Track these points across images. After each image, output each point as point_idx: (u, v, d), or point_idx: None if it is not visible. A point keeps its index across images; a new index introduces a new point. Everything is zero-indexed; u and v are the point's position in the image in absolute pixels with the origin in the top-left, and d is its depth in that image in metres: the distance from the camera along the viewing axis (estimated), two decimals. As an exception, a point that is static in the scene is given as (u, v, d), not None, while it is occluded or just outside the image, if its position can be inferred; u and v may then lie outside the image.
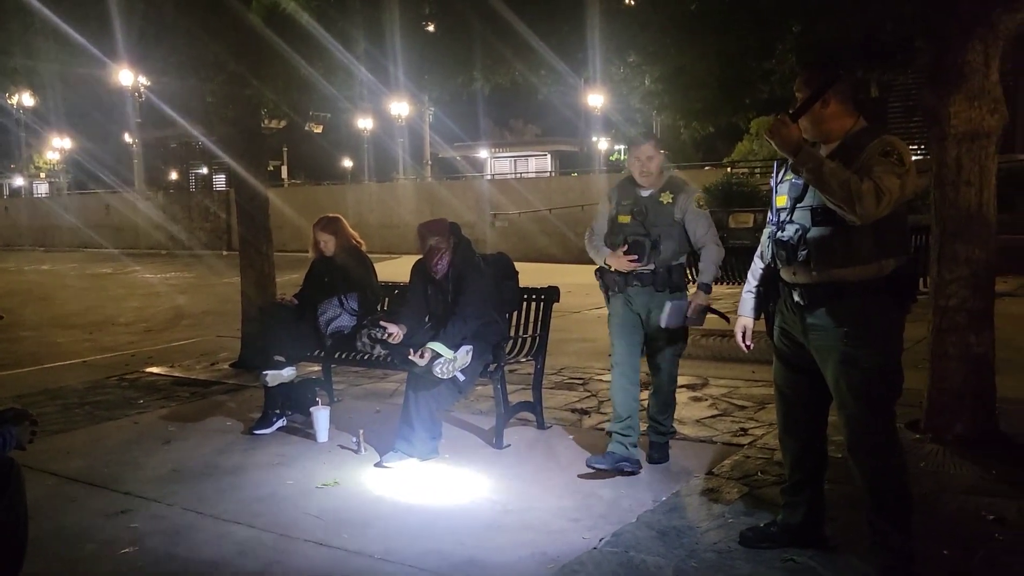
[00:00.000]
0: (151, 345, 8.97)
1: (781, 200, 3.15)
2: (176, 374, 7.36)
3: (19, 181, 48.14)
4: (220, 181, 37.79)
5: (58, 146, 38.93)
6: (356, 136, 36.65)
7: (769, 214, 3.26)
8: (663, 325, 4.31)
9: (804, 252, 2.99)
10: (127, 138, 35.69)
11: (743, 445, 4.85)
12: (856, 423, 3.05)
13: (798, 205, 3.08)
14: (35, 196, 43.82)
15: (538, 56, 7.69)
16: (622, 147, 36.08)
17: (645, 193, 4.37)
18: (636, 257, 4.27)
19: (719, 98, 6.82)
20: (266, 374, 5.44)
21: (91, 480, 4.57)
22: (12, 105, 24.95)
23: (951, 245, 4.70)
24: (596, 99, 26.12)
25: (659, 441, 4.62)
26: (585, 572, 3.31)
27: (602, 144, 38.83)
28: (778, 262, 3.16)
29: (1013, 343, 6.95)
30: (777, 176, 3.24)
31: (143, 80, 20.13)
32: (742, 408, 5.68)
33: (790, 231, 3.06)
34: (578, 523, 3.80)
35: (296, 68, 7.26)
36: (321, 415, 5.17)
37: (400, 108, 28.35)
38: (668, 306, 4.29)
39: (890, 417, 3.08)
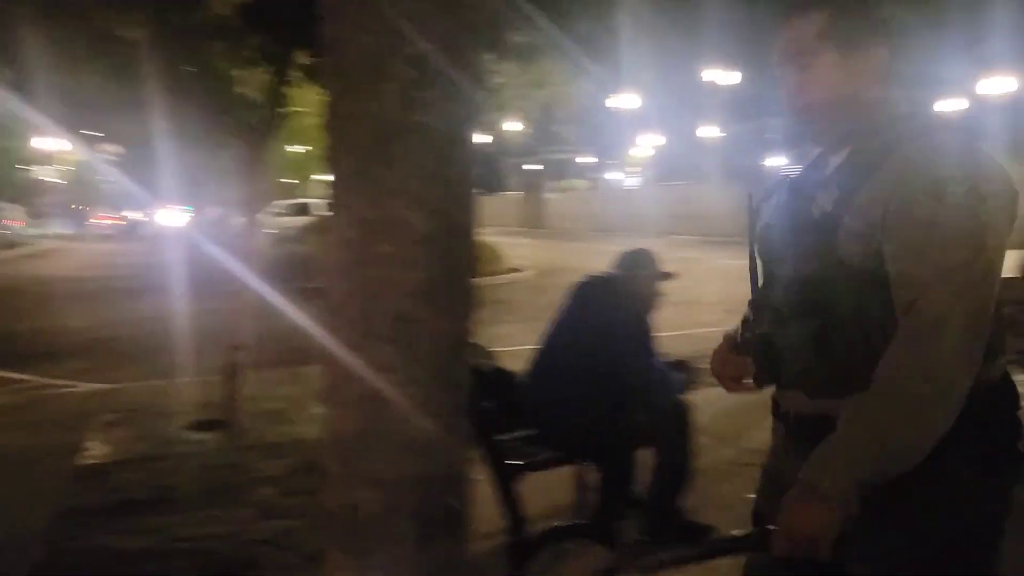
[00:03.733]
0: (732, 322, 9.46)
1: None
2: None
3: (611, 174, 53.94)
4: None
5: (649, 143, 42.70)
6: None
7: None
8: None
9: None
10: (709, 131, 37.42)
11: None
12: None
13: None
14: (622, 188, 49.17)
15: None
16: None
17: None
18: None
19: None
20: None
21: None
22: (616, 108, 28.36)
23: None
24: None
25: None
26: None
27: None
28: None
29: None
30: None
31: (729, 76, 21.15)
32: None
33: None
34: None
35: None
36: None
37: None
38: None
39: None
